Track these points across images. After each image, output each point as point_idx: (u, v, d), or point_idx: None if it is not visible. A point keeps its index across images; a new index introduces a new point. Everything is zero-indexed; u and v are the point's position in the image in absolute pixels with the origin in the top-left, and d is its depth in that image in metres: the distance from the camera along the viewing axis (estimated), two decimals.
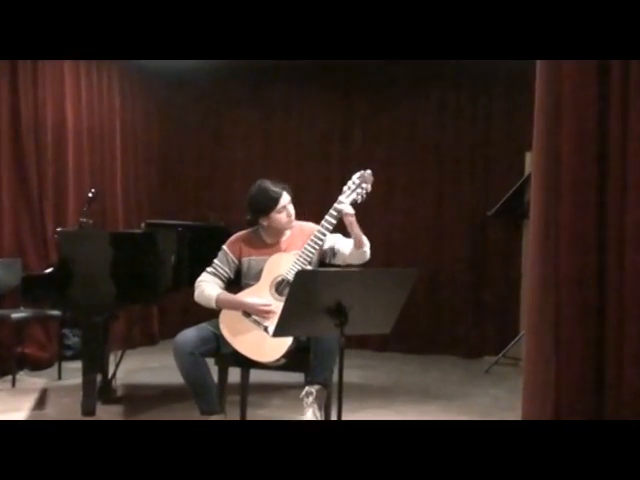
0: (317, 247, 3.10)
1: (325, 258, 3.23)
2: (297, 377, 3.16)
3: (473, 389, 4.69)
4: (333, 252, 3.20)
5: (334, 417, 2.54)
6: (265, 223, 3.19)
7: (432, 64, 5.14)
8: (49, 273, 3.79)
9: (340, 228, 3.17)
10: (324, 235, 3.10)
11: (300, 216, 3.27)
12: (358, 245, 3.13)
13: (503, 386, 4.71)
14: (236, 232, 3.33)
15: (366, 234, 3.15)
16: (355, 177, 3.15)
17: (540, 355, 2.81)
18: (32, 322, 4.85)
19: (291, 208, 3.17)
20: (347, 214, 3.07)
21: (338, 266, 3.20)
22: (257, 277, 3.15)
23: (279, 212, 3.13)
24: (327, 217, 3.09)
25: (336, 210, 3.08)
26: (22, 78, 4.92)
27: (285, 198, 3.14)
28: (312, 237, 3.09)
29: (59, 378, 4.69)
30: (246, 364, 3.15)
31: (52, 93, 5.13)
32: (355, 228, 3.10)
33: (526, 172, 5.23)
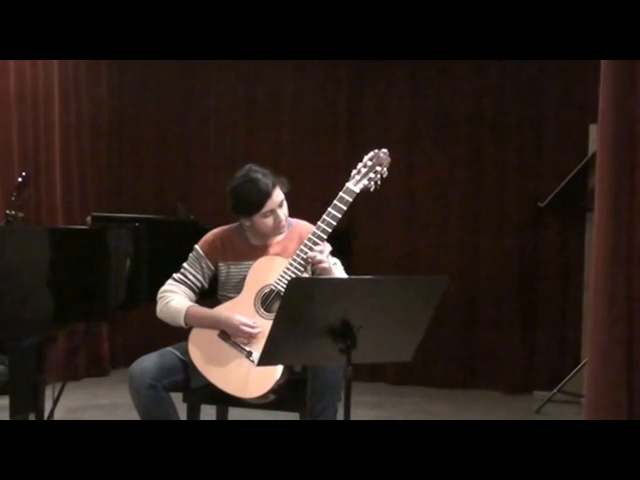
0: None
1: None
2: (290, 418, 3.16)
3: None
4: None
5: None
6: (247, 223, 3.20)
7: None
8: None
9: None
10: (323, 237, 3.08)
11: (294, 212, 3.27)
12: None
13: None
14: (212, 229, 3.34)
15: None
16: (367, 158, 3.17)
17: (607, 387, 2.82)
18: None
19: (282, 212, 3.14)
20: (316, 259, 3.03)
21: None
22: (238, 288, 3.16)
23: (265, 216, 3.13)
24: (330, 210, 3.09)
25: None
26: None
27: (275, 199, 3.11)
28: (310, 236, 3.09)
29: None
30: (223, 401, 3.16)
31: None
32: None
33: (590, 150, 5.24)
